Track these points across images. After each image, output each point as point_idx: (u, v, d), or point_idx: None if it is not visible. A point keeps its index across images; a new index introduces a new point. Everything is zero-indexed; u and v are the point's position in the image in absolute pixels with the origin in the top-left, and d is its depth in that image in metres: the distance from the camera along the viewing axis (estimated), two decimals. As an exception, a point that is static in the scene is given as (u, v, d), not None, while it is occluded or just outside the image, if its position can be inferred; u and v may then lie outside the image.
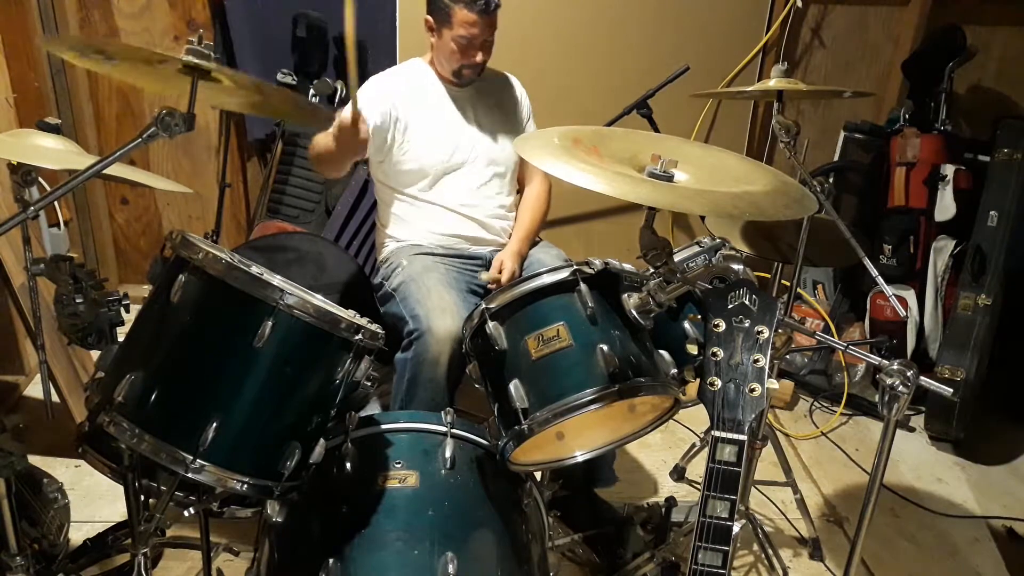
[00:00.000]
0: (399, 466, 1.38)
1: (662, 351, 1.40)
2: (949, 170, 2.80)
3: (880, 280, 1.62)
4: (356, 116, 1.72)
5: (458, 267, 2.09)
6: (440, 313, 1.81)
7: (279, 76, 2.83)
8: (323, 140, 1.91)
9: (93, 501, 2.09)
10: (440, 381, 1.78)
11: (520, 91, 2.27)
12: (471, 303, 1.94)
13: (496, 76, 2.24)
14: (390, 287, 2.02)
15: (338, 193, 2.79)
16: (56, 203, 2.66)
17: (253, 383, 1.21)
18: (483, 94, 2.18)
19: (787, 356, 2.90)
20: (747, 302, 1.12)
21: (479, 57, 2.05)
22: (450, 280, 1.98)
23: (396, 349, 1.87)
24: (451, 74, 2.10)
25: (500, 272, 2.03)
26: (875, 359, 1.26)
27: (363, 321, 1.30)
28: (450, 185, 2.11)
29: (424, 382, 1.79)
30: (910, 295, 2.85)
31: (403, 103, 2.06)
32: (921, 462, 2.61)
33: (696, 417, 2.52)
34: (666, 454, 2.49)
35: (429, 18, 2.06)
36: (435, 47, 2.09)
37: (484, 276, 2.03)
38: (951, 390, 1.29)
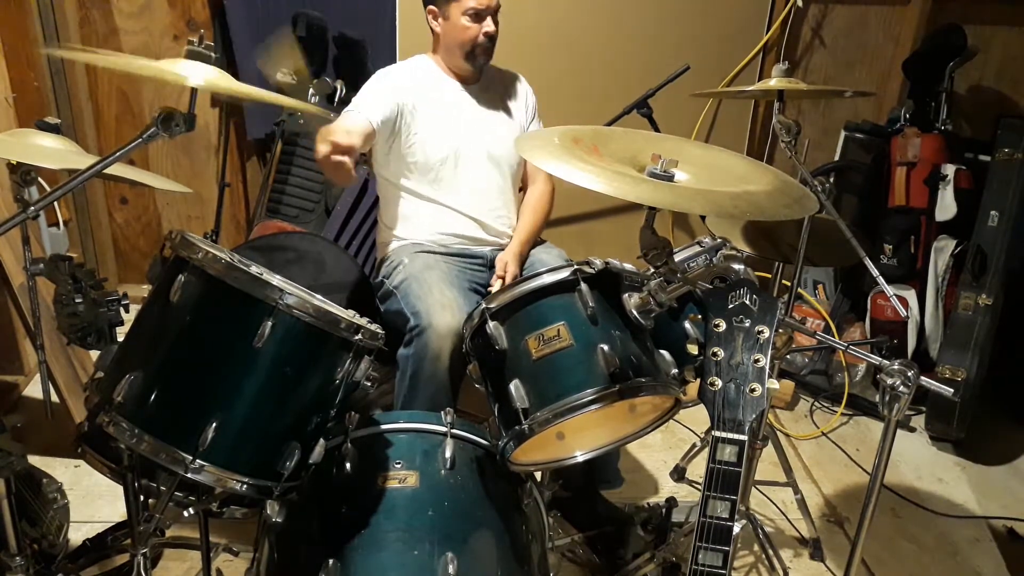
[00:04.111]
0: (399, 466, 1.38)
1: (663, 351, 1.40)
2: (950, 170, 2.79)
3: (881, 280, 1.62)
4: (339, 149, 1.61)
5: (459, 265, 2.09)
6: (441, 309, 1.81)
7: (279, 76, 2.83)
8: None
9: (92, 501, 2.09)
10: (442, 377, 1.78)
11: (527, 90, 2.26)
12: (472, 300, 1.94)
13: (504, 75, 2.24)
14: (391, 285, 2.02)
15: (338, 193, 2.78)
16: (55, 203, 2.66)
17: (253, 383, 1.20)
18: (489, 92, 2.17)
19: (788, 356, 2.90)
20: (748, 302, 1.12)
21: (491, 27, 2.03)
22: (451, 277, 1.98)
23: (396, 349, 1.86)
24: (463, 58, 2.07)
25: (504, 274, 2.03)
26: (876, 359, 1.26)
27: (363, 321, 1.30)
28: (452, 183, 2.11)
29: (426, 378, 1.78)
30: (911, 295, 2.85)
31: (410, 96, 2.06)
32: (922, 462, 2.61)
33: (696, 417, 2.52)
34: (666, 454, 2.49)
35: (432, 7, 2.05)
36: (443, 34, 2.08)
37: (493, 285, 2.03)
38: (952, 390, 1.29)
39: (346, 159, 1.61)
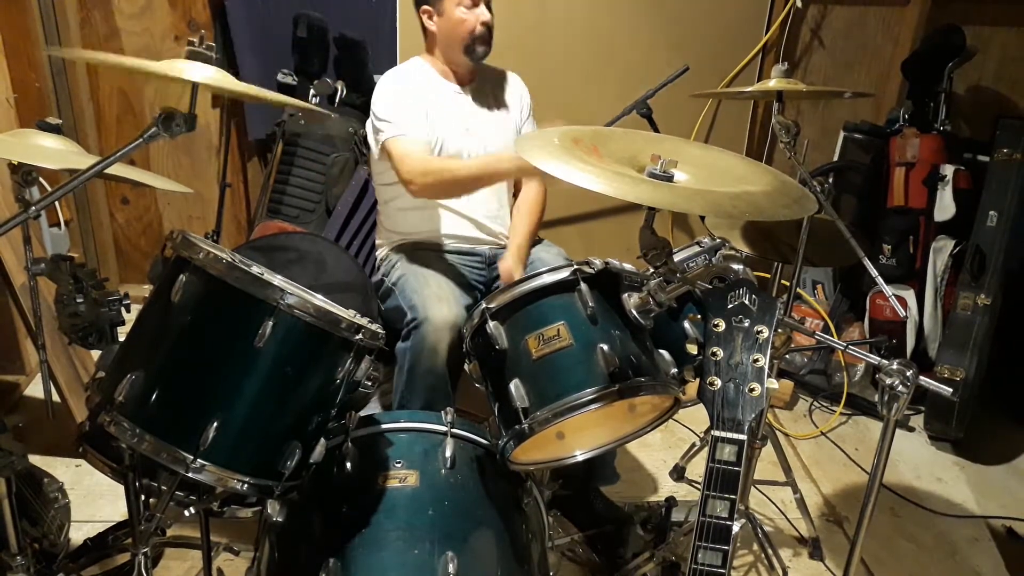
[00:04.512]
0: (399, 466, 1.38)
1: (662, 351, 1.41)
2: (948, 170, 2.80)
3: (880, 280, 1.62)
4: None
5: (457, 263, 2.10)
6: (437, 301, 1.81)
7: (279, 76, 2.84)
8: (462, 171, 1.93)
9: (94, 501, 2.09)
10: (439, 370, 1.78)
11: (522, 88, 2.26)
12: (470, 296, 1.94)
13: (498, 73, 2.24)
14: (389, 282, 2.03)
15: (338, 193, 2.79)
16: (56, 203, 2.66)
17: (253, 383, 1.21)
18: (485, 92, 2.18)
19: (787, 356, 2.91)
20: (747, 302, 1.13)
21: (487, 15, 2.04)
22: (449, 272, 1.99)
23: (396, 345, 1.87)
24: (463, 51, 2.06)
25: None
26: (875, 359, 1.27)
27: (363, 321, 1.30)
28: None
29: (423, 372, 1.79)
30: (909, 295, 2.85)
31: (412, 105, 2.05)
32: (921, 462, 2.61)
33: (696, 417, 2.53)
34: (666, 454, 2.49)
35: (425, 6, 2.05)
36: (439, 31, 2.07)
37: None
38: (950, 390, 1.29)
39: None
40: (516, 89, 2.25)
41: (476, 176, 1.93)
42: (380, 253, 2.20)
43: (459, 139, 2.09)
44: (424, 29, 2.12)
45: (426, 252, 2.08)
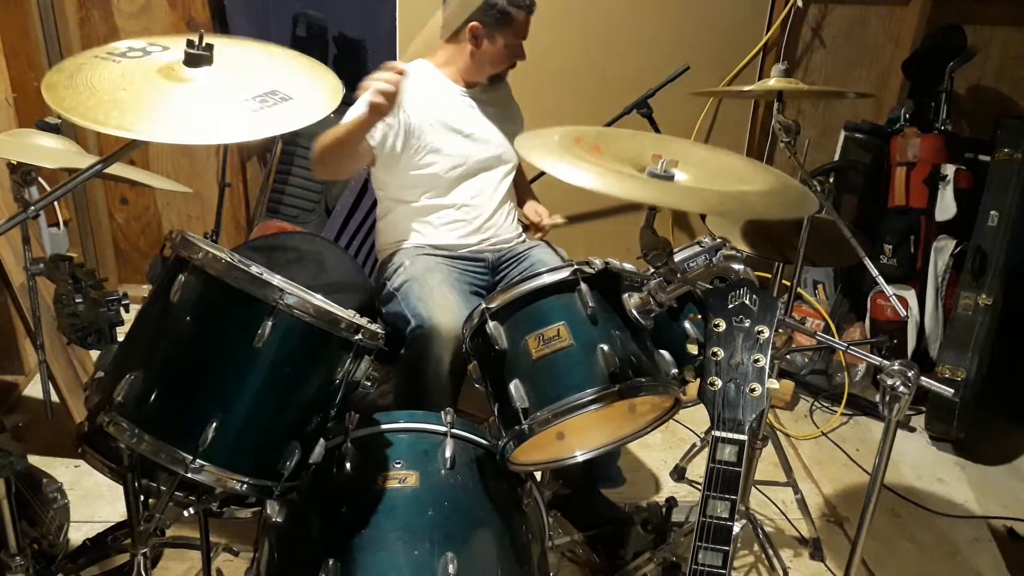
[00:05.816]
0: (399, 466, 1.38)
1: (663, 351, 1.40)
2: (949, 170, 2.80)
3: (881, 280, 1.62)
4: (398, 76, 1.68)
5: (460, 267, 2.09)
6: (442, 312, 1.81)
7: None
8: (332, 133, 1.86)
9: (93, 501, 2.09)
10: (443, 380, 1.78)
11: (509, 87, 2.28)
12: (473, 303, 1.93)
13: None
14: (392, 286, 2.01)
15: (338, 193, 2.78)
16: (56, 203, 2.66)
17: (253, 383, 1.20)
18: (487, 93, 2.17)
19: (787, 356, 2.90)
20: (747, 302, 1.12)
21: (524, 57, 2.12)
22: (452, 280, 1.97)
23: (396, 349, 1.86)
24: (489, 76, 2.11)
25: (540, 218, 2.21)
26: (876, 359, 1.26)
27: (363, 321, 1.30)
28: (461, 188, 2.10)
29: (427, 381, 1.78)
30: (911, 295, 2.85)
31: (416, 109, 2.01)
32: (922, 462, 2.61)
33: (697, 417, 2.52)
34: (666, 454, 2.49)
35: (478, 25, 2.03)
36: (479, 52, 2.06)
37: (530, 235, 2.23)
38: (952, 390, 1.28)
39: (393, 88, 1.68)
40: (509, 88, 2.26)
41: (330, 142, 1.86)
42: (381, 256, 2.19)
43: (469, 142, 2.08)
44: (444, 34, 2.11)
45: (429, 257, 2.07)
